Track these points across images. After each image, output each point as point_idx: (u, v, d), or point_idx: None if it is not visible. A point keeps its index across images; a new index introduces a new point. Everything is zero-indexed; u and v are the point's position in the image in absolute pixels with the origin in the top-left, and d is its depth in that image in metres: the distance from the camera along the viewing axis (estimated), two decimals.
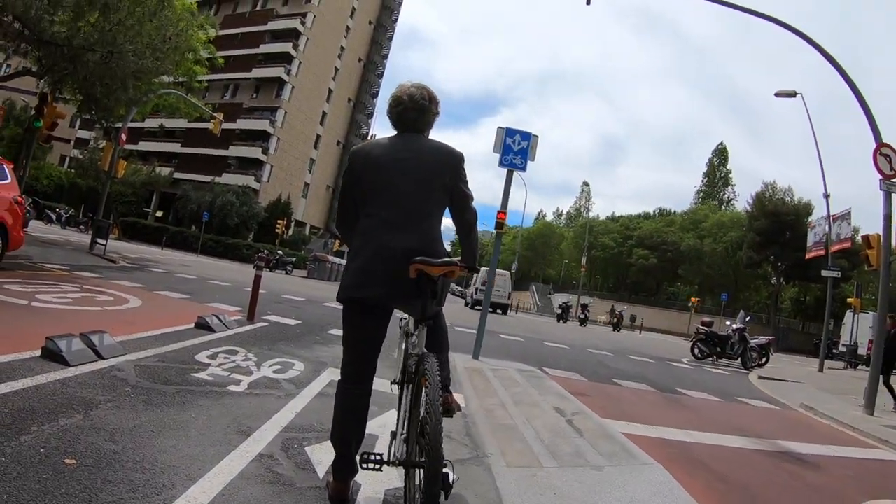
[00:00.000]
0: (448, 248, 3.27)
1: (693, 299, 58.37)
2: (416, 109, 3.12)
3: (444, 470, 2.35)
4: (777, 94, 22.09)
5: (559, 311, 40.18)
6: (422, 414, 2.57)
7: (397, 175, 2.99)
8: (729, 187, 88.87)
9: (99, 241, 20.41)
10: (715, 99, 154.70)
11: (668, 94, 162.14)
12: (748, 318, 20.29)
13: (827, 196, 22.54)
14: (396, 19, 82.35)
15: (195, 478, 3.03)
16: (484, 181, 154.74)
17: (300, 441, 3.96)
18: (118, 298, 9.41)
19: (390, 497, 3.29)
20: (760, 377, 15.98)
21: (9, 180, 10.57)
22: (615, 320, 41.01)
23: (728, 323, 20.64)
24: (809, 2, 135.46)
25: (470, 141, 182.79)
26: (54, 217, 43.67)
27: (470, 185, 3.21)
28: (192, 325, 7.81)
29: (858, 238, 22.27)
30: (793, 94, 21.87)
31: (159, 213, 59.31)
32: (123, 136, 23.41)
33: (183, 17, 22.22)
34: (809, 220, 38.17)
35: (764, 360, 19.52)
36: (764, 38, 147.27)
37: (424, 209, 3.01)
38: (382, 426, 4.50)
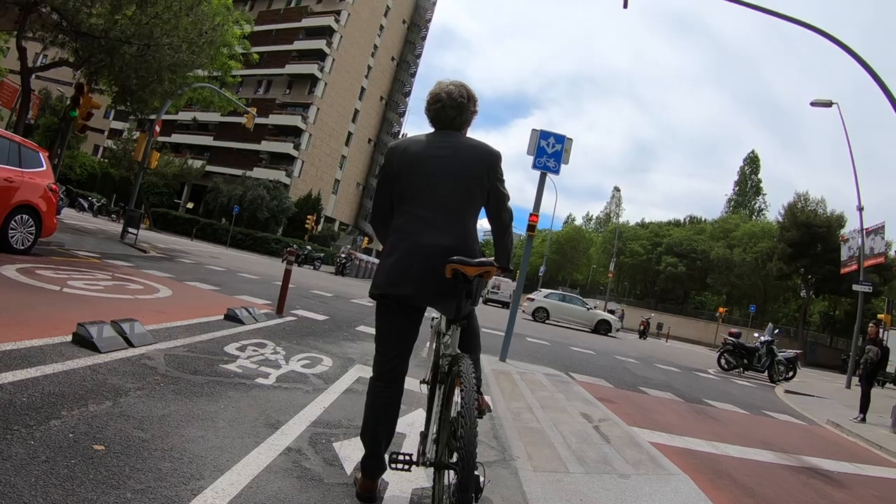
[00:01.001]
0: None
1: (721, 309, 57.76)
2: (454, 107, 3.07)
3: (475, 472, 2.31)
4: (813, 104, 21.67)
5: None
6: (453, 415, 2.55)
7: (434, 173, 2.96)
8: (760, 196, 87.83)
9: (130, 230, 20.66)
10: (748, 106, 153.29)
11: (700, 100, 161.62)
12: (777, 331, 20.03)
13: (861, 209, 22.04)
14: (430, 19, 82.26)
15: (223, 469, 3.04)
16: (513, 183, 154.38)
17: (328, 436, 3.95)
18: (149, 287, 9.48)
19: (417, 496, 3.27)
20: (787, 391, 15.77)
21: (44, 168, 10.72)
22: (641, 327, 40.72)
23: (756, 335, 20.36)
24: (843, 5, 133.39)
25: (502, 142, 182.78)
26: (87, 205, 44.26)
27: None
28: (222, 317, 7.85)
29: (892, 252, 21.96)
30: (829, 104, 21.43)
31: (190, 205, 59.92)
32: (157, 128, 23.67)
33: (219, 12, 22.47)
34: (842, 232, 37.55)
35: (791, 374, 19.23)
36: (798, 43, 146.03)
37: (461, 208, 2.98)
38: (411, 424, 4.50)
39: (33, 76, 20.42)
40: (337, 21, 63.28)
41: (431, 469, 2.88)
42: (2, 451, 2.66)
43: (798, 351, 21.46)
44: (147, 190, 48.37)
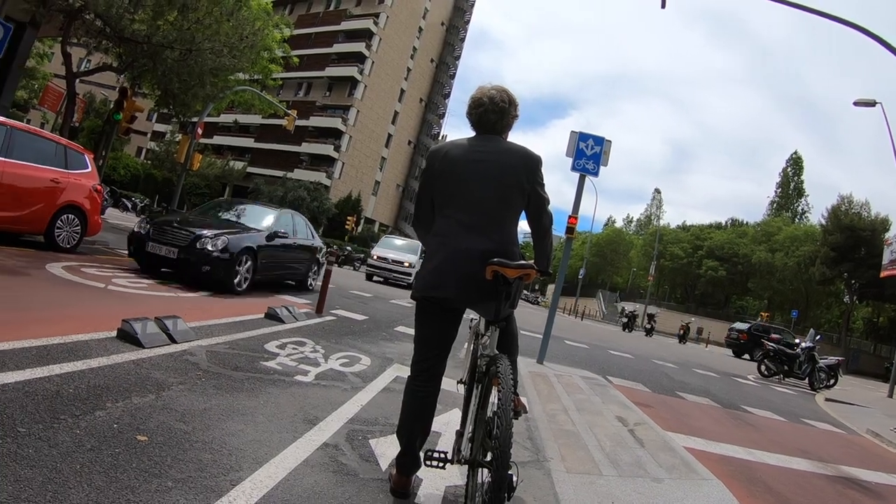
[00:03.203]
0: None
1: (763, 314, 56.68)
2: (496, 112, 3.10)
3: (509, 472, 2.33)
4: (856, 104, 21.11)
5: (625, 321, 39.54)
6: (489, 414, 2.57)
7: (475, 177, 2.98)
8: (803, 198, 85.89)
9: None
10: (789, 106, 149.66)
11: (740, 100, 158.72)
12: (818, 338, 19.60)
13: None
14: (469, 20, 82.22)
15: (261, 462, 3.11)
16: (552, 184, 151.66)
17: (365, 433, 4.01)
18: (191, 285, 9.64)
19: (450, 494, 3.30)
20: (827, 399, 15.43)
21: (89, 169, 10.97)
22: (680, 331, 40.16)
23: (797, 341, 19.98)
24: (886, 1, 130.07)
25: (539, 143, 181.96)
26: (130, 206, 45.02)
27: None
28: (263, 315, 8.00)
29: None
30: (872, 104, 20.87)
31: None
32: (199, 130, 24.01)
33: (259, 16, 22.80)
34: (886, 236, 36.66)
35: (832, 381, 18.77)
36: (840, 42, 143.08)
37: (501, 212, 2.99)
38: (446, 423, 4.53)
39: (78, 80, 20.84)
40: (376, 24, 63.72)
41: (465, 467, 2.91)
42: (49, 439, 2.77)
43: (840, 358, 20.93)
44: (189, 191, 49.15)
